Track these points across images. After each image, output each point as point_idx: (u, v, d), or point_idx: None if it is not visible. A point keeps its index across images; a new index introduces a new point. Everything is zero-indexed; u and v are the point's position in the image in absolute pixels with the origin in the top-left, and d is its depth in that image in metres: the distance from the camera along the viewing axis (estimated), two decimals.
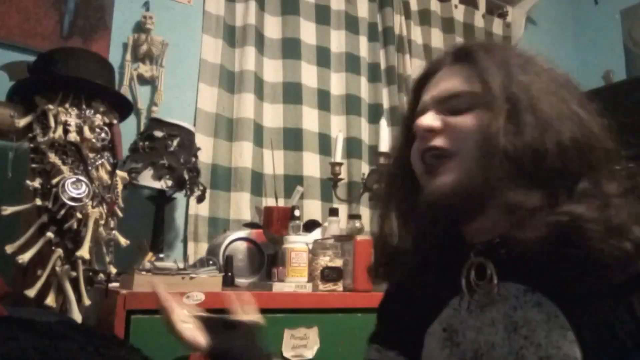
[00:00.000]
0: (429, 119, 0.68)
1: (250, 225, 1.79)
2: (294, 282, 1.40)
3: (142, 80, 1.91)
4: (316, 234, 1.68)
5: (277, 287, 1.38)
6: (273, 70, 2.18)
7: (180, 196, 1.79)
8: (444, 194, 0.65)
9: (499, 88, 0.64)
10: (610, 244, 0.55)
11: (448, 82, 0.70)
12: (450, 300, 0.69)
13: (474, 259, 0.67)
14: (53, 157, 1.28)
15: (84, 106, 1.36)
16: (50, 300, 1.24)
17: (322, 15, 2.31)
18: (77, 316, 1.24)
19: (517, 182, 0.59)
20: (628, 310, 0.55)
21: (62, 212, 1.25)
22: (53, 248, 1.25)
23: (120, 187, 1.42)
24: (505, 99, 0.63)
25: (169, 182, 1.63)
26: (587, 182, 0.60)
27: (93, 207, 1.30)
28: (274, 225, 1.54)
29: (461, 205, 0.65)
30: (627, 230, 0.55)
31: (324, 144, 2.19)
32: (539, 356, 0.57)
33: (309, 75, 2.22)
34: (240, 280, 1.55)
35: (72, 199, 1.26)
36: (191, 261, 1.79)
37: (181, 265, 1.34)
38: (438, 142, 0.67)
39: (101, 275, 1.33)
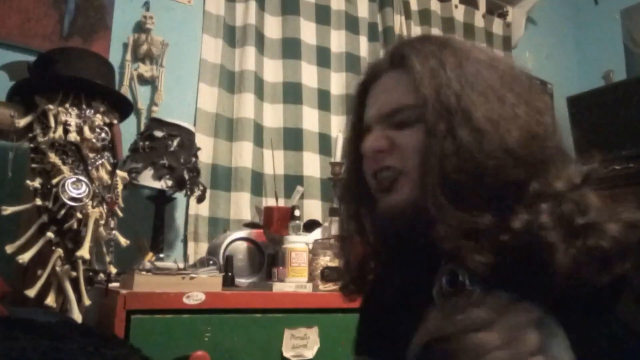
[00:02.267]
0: (375, 141, 0.67)
1: (251, 225, 1.79)
2: (294, 282, 1.40)
3: (142, 80, 1.91)
4: (316, 234, 1.68)
5: (277, 287, 1.38)
6: (273, 70, 2.18)
7: (180, 196, 1.79)
8: (396, 212, 0.65)
9: (431, 101, 0.61)
10: (572, 246, 0.53)
11: (388, 95, 0.69)
12: (426, 312, 0.64)
13: (444, 266, 0.64)
14: (53, 157, 1.28)
15: (84, 106, 1.36)
16: (50, 300, 1.24)
17: (322, 15, 2.31)
18: (77, 316, 1.24)
19: (461, 204, 0.57)
20: (614, 315, 0.52)
21: (62, 212, 1.25)
22: (53, 248, 1.25)
23: (120, 187, 1.42)
24: (438, 114, 0.61)
25: (169, 182, 1.63)
26: (538, 184, 0.57)
27: (93, 207, 1.30)
28: (274, 225, 1.54)
29: (416, 220, 0.63)
30: (600, 229, 0.53)
31: (324, 144, 2.19)
32: None
33: (309, 75, 2.22)
34: (241, 280, 1.55)
35: (72, 198, 1.26)
36: (191, 261, 1.79)
37: (181, 265, 1.34)
38: (387, 161, 0.67)
39: (101, 275, 1.33)
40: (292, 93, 2.16)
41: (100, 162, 1.36)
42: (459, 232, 0.57)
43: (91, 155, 1.35)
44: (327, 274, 1.45)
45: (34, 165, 1.29)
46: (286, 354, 1.30)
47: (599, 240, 0.53)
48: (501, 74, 0.64)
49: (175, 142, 1.66)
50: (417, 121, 0.64)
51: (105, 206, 1.34)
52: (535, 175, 0.58)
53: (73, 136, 1.31)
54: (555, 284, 0.53)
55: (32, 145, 1.31)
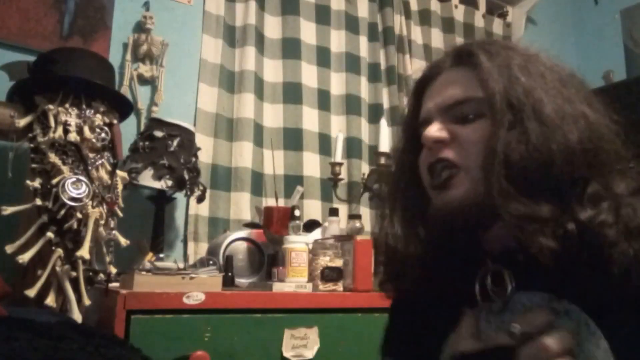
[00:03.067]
0: (436, 130, 0.66)
1: (251, 225, 1.79)
2: (294, 282, 1.40)
3: (142, 80, 1.91)
4: (316, 234, 1.68)
5: (277, 287, 1.38)
6: (273, 70, 2.18)
7: (180, 196, 1.79)
8: (453, 209, 0.63)
9: (500, 94, 0.62)
10: (631, 246, 0.53)
11: (451, 89, 0.68)
12: (465, 312, 0.64)
13: (490, 266, 0.63)
14: (53, 157, 1.28)
15: (84, 106, 1.36)
16: (50, 300, 1.24)
17: (322, 15, 2.31)
18: (77, 316, 1.24)
19: (525, 193, 0.57)
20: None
21: (62, 212, 1.25)
22: (53, 248, 1.25)
23: (120, 187, 1.42)
24: (507, 105, 0.61)
25: (169, 182, 1.63)
26: (598, 184, 0.58)
27: (93, 207, 1.30)
28: (274, 225, 1.54)
29: (472, 217, 0.63)
30: None
31: (324, 144, 2.19)
32: None
33: (309, 75, 2.22)
34: (240, 280, 1.55)
35: (72, 199, 1.26)
36: (191, 261, 1.79)
37: (181, 265, 1.34)
38: (446, 154, 0.66)
39: (101, 275, 1.33)
40: (292, 93, 2.16)
41: (100, 162, 1.36)
42: (525, 217, 0.57)
43: (91, 155, 1.35)
44: (327, 274, 1.45)
45: (34, 165, 1.29)
46: (286, 354, 1.30)
47: None
48: (565, 77, 0.65)
49: (175, 142, 1.66)
50: (480, 116, 0.64)
51: (105, 206, 1.34)
52: (596, 175, 0.59)
53: (73, 136, 1.31)
54: (610, 284, 0.53)
55: (32, 145, 1.31)
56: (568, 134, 0.59)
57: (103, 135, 1.38)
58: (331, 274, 1.46)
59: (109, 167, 1.38)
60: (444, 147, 0.66)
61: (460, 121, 0.66)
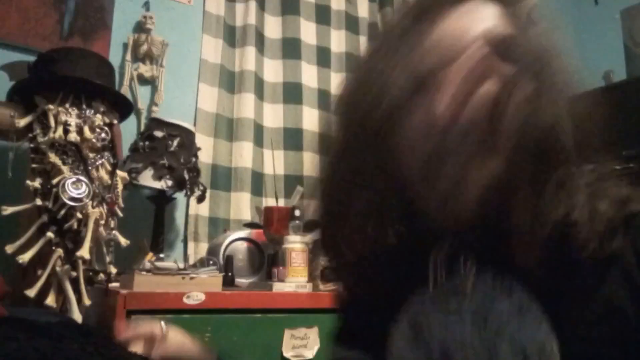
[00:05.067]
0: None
1: (251, 225, 1.79)
2: (294, 282, 1.40)
3: (142, 80, 1.91)
4: (316, 234, 1.68)
5: (277, 287, 1.38)
6: (273, 70, 2.18)
7: (180, 196, 1.79)
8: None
9: None
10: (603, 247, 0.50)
11: None
12: (416, 291, 0.60)
13: (443, 244, 0.58)
14: (53, 157, 1.28)
15: (84, 106, 1.36)
16: (50, 300, 1.24)
17: (323, 15, 2.31)
18: (77, 316, 1.24)
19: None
20: (600, 294, 0.50)
21: (62, 212, 1.25)
22: (53, 248, 1.25)
23: (120, 187, 1.42)
24: None
25: (169, 182, 1.63)
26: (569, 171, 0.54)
27: (93, 207, 1.30)
28: (274, 225, 1.54)
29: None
30: (590, 207, 0.51)
31: None
32: (513, 350, 0.52)
33: (309, 75, 2.22)
34: (241, 280, 1.55)
35: (72, 199, 1.26)
36: (191, 261, 1.79)
37: (181, 265, 1.34)
38: None
39: (101, 275, 1.33)
40: (292, 93, 2.17)
41: (100, 162, 1.36)
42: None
43: (91, 155, 1.35)
44: (327, 274, 1.45)
45: (34, 165, 1.29)
46: (286, 354, 1.30)
47: (586, 218, 0.51)
48: None
49: (175, 142, 1.66)
50: None
51: (105, 206, 1.34)
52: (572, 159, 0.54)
53: (73, 136, 1.31)
54: (559, 258, 0.51)
55: (32, 145, 1.31)
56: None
57: (103, 135, 1.38)
58: (331, 274, 1.45)
59: (109, 167, 1.38)
60: None
61: None
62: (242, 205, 1.97)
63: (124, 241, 1.40)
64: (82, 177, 1.29)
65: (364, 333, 0.67)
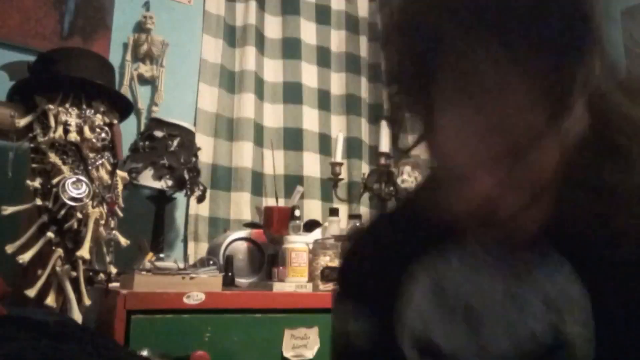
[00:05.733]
0: None
1: (251, 225, 1.79)
2: (295, 282, 1.40)
3: (143, 80, 1.91)
4: (316, 234, 1.68)
5: (278, 287, 1.38)
6: (273, 70, 2.18)
7: (180, 196, 1.79)
8: None
9: None
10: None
11: None
12: (439, 246, 0.60)
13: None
14: (53, 157, 1.28)
15: (84, 106, 1.36)
16: (50, 300, 1.24)
17: (323, 15, 2.31)
18: (77, 316, 1.24)
19: None
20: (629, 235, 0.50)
21: (63, 212, 1.25)
22: (53, 248, 1.25)
23: (120, 187, 1.42)
24: None
25: (169, 182, 1.63)
26: None
27: (93, 207, 1.30)
28: (274, 225, 1.54)
29: None
30: None
31: (324, 144, 2.19)
32: (543, 301, 0.51)
33: (309, 75, 2.22)
34: (241, 280, 1.55)
35: (73, 198, 1.26)
36: (191, 261, 1.79)
37: (181, 265, 1.34)
38: None
39: (101, 275, 1.33)
40: (292, 93, 2.17)
41: (100, 162, 1.36)
42: None
43: (91, 155, 1.35)
44: (327, 274, 1.45)
45: (34, 165, 1.29)
46: (286, 354, 1.30)
47: None
48: None
49: (175, 142, 1.66)
50: None
51: (105, 206, 1.34)
52: None
53: (73, 136, 1.31)
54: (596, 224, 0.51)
55: (32, 145, 1.31)
56: None
57: (103, 135, 1.38)
58: (331, 274, 1.45)
59: (109, 167, 1.38)
60: None
61: None
62: (242, 205, 1.97)
63: (124, 241, 1.40)
64: (82, 177, 1.29)
65: (368, 289, 0.66)
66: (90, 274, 1.30)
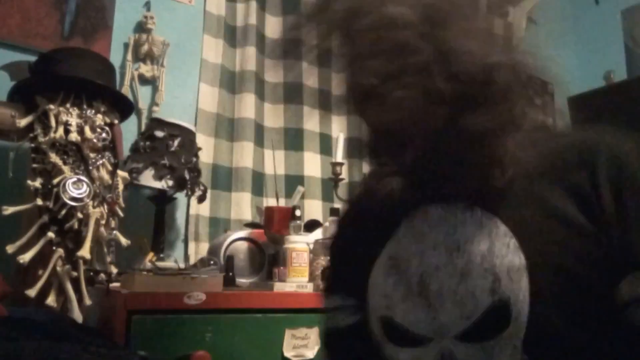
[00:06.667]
0: None
1: (251, 225, 1.79)
2: (295, 282, 1.40)
3: (143, 80, 1.91)
4: (317, 234, 1.68)
5: (278, 287, 1.38)
6: (274, 70, 2.18)
7: (181, 196, 1.79)
8: None
9: None
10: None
11: None
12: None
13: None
14: (54, 157, 1.28)
15: (85, 106, 1.36)
16: (51, 300, 1.24)
17: None
18: (78, 316, 1.24)
19: None
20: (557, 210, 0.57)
21: (63, 212, 1.25)
22: (54, 248, 1.25)
23: (121, 187, 1.42)
24: None
25: (170, 182, 1.63)
26: None
27: (94, 207, 1.30)
28: (275, 225, 1.54)
29: None
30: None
31: (325, 144, 2.19)
32: (484, 268, 0.56)
33: (309, 75, 2.22)
34: (241, 280, 1.55)
35: (73, 198, 1.26)
36: (192, 261, 1.79)
37: (182, 265, 1.34)
38: None
39: (102, 275, 1.33)
40: (293, 93, 2.16)
41: (101, 162, 1.36)
42: None
43: (92, 155, 1.35)
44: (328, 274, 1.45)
45: (34, 165, 1.29)
46: (287, 354, 1.30)
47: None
48: None
49: (176, 142, 1.66)
50: None
51: (106, 206, 1.34)
52: None
53: (74, 136, 1.31)
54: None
55: (33, 145, 1.31)
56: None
57: (104, 135, 1.38)
58: None
59: (109, 167, 1.38)
60: None
61: None
62: (242, 205, 1.97)
63: (124, 241, 1.40)
64: (82, 177, 1.29)
65: (350, 278, 0.70)
66: (91, 274, 1.30)
